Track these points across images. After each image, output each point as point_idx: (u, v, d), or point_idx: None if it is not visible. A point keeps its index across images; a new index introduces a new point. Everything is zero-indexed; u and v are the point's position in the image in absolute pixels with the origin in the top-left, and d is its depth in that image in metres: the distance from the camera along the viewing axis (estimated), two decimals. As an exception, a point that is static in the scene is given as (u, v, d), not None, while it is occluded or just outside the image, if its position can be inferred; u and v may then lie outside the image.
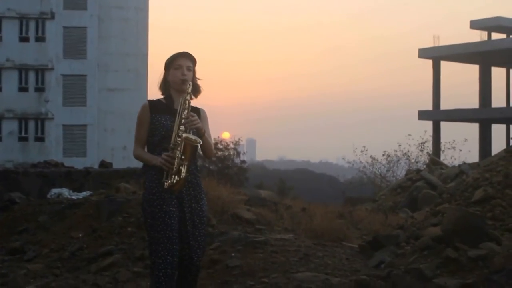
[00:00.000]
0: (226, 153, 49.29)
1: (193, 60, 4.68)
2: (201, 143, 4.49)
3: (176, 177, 4.43)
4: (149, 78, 44.06)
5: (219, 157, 48.42)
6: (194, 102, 4.68)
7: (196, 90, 4.69)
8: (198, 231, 4.61)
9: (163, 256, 4.49)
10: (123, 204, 8.97)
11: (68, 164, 19.94)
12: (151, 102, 4.69)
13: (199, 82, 4.71)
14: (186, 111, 4.51)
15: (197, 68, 4.70)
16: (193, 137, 4.48)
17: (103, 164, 18.67)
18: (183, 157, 4.43)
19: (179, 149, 4.44)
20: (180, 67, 4.61)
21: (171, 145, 4.47)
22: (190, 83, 4.60)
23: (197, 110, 4.67)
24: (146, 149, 4.64)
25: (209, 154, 4.70)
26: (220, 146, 48.89)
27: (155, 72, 4.85)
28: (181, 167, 4.42)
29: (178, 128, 4.48)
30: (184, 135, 4.45)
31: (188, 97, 4.56)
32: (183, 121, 4.48)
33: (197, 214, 4.62)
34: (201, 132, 4.56)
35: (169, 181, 4.43)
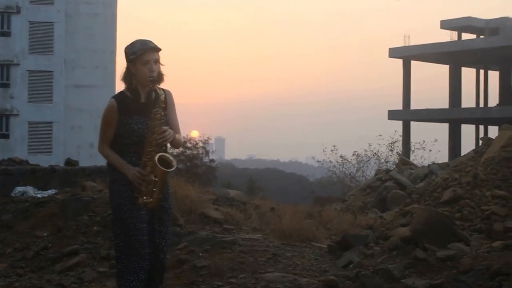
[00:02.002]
0: (195, 152, 49.13)
1: (158, 51, 4.52)
2: (174, 168, 4.41)
3: (149, 198, 4.39)
4: (117, 75, 43.34)
5: (187, 156, 48.25)
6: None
7: (160, 79, 4.53)
8: (165, 229, 4.57)
9: (136, 261, 4.43)
10: (89, 203, 8.85)
11: (33, 162, 19.61)
12: (118, 100, 4.50)
13: (162, 67, 4.53)
14: (158, 123, 4.39)
15: (168, 62, 4.60)
16: (169, 159, 4.39)
17: (69, 162, 18.40)
18: (156, 179, 4.37)
19: (150, 170, 4.36)
20: (148, 62, 4.45)
21: (142, 161, 4.39)
22: (163, 92, 4.46)
23: (163, 92, 4.50)
24: (113, 145, 4.51)
25: (177, 146, 4.66)
26: (189, 144, 48.72)
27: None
28: (154, 189, 4.38)
29: (151, 144, 4.38)
30: (157, 156, 4.35)
31: (160, 110, 4.42)
32: (155, 135, 4.38)
33: (165, 212, 4.57)
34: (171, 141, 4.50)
35: (142, 199, 4.40)
